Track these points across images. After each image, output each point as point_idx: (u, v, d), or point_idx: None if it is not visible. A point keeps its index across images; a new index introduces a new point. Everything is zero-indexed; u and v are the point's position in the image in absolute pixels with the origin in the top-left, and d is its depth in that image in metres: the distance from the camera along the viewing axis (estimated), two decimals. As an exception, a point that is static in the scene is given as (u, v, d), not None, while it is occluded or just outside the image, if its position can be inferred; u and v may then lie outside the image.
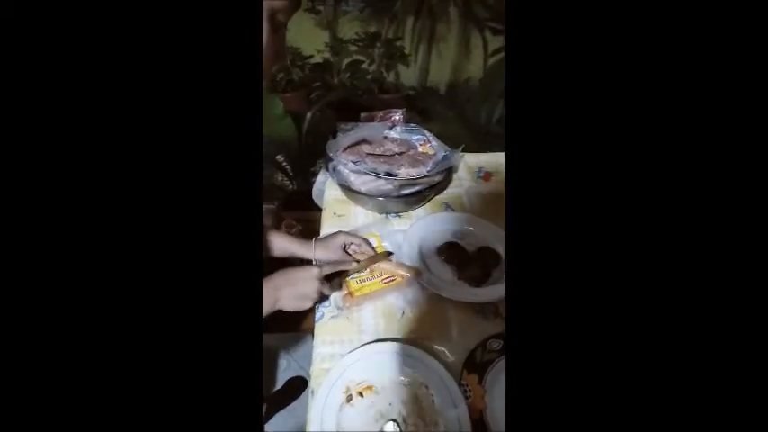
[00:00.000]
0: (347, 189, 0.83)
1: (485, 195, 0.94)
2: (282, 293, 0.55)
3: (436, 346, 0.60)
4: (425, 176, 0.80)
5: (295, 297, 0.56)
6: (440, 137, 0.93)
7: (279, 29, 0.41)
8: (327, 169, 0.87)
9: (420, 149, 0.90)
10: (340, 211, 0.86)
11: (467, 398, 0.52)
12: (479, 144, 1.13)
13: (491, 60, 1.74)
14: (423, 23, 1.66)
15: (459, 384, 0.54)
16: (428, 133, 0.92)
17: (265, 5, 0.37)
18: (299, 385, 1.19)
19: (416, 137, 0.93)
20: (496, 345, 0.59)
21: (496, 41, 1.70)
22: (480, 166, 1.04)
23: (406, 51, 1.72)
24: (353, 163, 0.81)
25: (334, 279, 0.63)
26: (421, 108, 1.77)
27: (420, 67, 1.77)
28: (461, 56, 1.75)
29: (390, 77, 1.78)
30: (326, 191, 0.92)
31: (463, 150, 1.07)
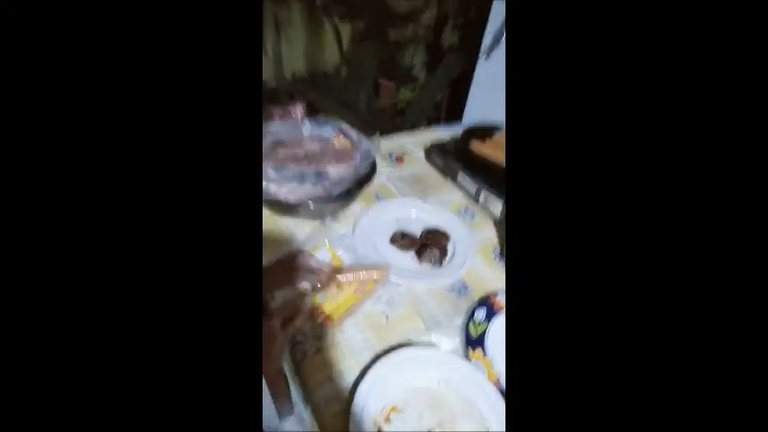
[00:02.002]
0: (274, 204, 0.71)
1: (405, 178, 0.95)
2: None
3: (433, 337, 0.58)
4: (357, 171, 0.75)
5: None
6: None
7: None
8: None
9: (336, 143, 0.84)
10: (271, 235, 0.74)
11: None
12: (374, 130, 1.13)
13: (347, 46, 1.75)
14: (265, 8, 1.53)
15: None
16: (340, 124, 0.86)
17: None
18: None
19: (327, 130, 0.86)
20: (481, 314, 0.61)
21: (347, 28, 1.70)
22: (390, 151, 1.05)
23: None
24: (274, 171, 0.69)
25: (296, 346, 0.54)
26: (307, 101, 1.66)
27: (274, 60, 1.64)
28: (313, 43, 1.69)
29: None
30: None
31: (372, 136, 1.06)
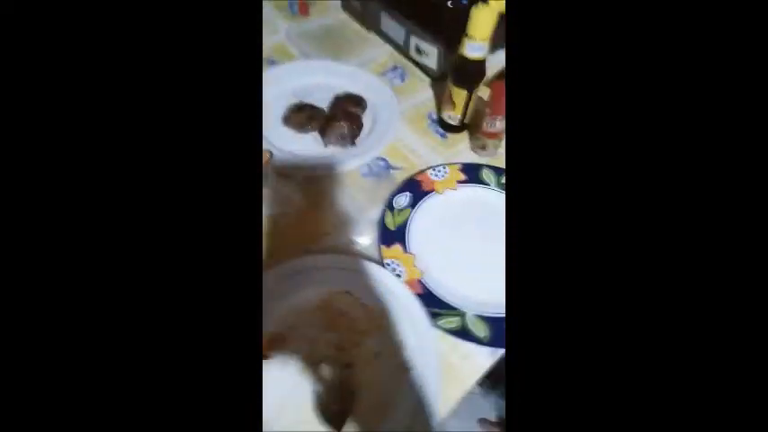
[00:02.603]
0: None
1: (312, 33, 0.69)
2: None
3: (343, 240, 0.44)
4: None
5: None
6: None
7: None
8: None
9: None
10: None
11: (398, 276, 0.41)
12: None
13: None
14: None
15: (384, 265, 0.41)
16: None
17: None
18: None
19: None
20: (404, 200, 0.47)
21: None
22: (290, -2, 0.75)
23: None
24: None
25: None
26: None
27: None
28: None
29: None
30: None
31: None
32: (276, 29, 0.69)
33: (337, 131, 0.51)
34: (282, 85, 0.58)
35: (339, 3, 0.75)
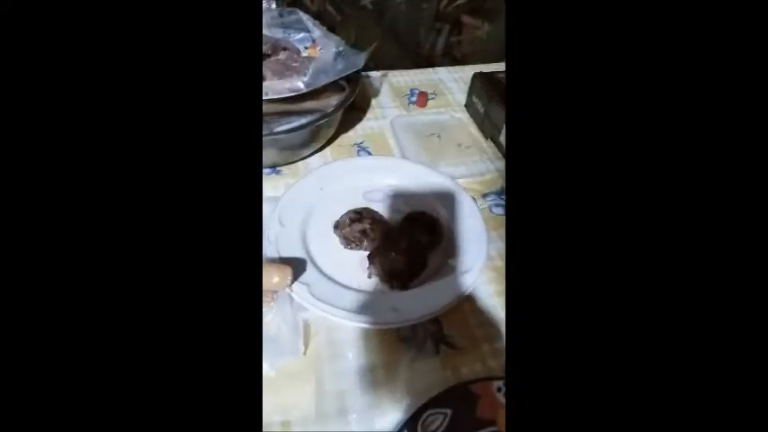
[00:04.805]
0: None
1: (420, 128, 0.60)
2: None
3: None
4: (301, 92, 0.44)
5: None
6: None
7: None
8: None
9: (305, 53, 0.53)
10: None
11: None
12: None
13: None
14: None
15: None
16: (315, 25, 0.54)
17: None
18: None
19: (299, 34, 0.55)
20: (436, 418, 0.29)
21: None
22: (412, 87, 0.70)
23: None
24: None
25: None
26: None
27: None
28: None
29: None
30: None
31: (383, 66, 0.72)
32: (383, 115, 0.63)
33: (387, 265, 0.38)
34: (356, 179, 0.48)
35: (464, 99, 0.66)
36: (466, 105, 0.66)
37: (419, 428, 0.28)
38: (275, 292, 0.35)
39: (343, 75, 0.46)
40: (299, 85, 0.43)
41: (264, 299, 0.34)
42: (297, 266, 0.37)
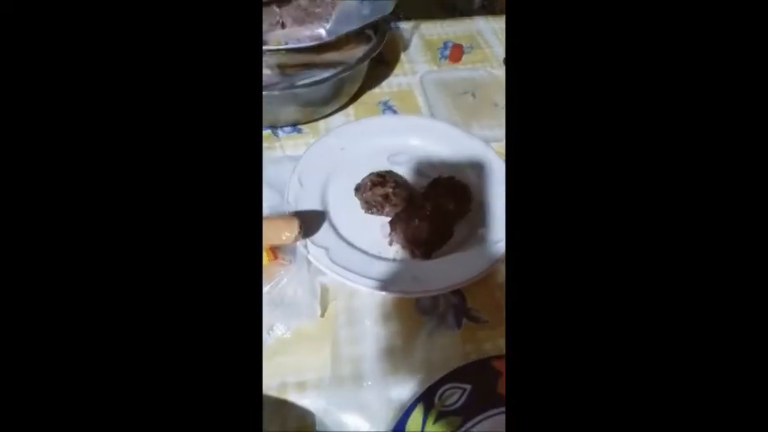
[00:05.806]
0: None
1: (452, 86, 0.55)
2: None
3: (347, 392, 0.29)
4: (324, 42, 0.40)
5: None
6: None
7: None
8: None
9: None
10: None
11: None
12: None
13: None
14: None
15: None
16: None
17: None
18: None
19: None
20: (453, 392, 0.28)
21: None
22: (446, 40, 0.63)
23: None
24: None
25: None
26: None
27: None
28: None
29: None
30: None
31: (418, 16, 0.65)
32: (412, 70, 0.58)
33: (410, 232, 0.35)
34: (381, 139, 0.45)
35: (504, 53, 0.60)
36: (504, 61, 0.59)
37: (436, 401, 0.27)
38: (288, 247, 0.34)
39: (370, 21, 0.41)
40: (321, 32, 0.40)
41: (279, 259, 0.34)
42: (312, 220, 0.35)
